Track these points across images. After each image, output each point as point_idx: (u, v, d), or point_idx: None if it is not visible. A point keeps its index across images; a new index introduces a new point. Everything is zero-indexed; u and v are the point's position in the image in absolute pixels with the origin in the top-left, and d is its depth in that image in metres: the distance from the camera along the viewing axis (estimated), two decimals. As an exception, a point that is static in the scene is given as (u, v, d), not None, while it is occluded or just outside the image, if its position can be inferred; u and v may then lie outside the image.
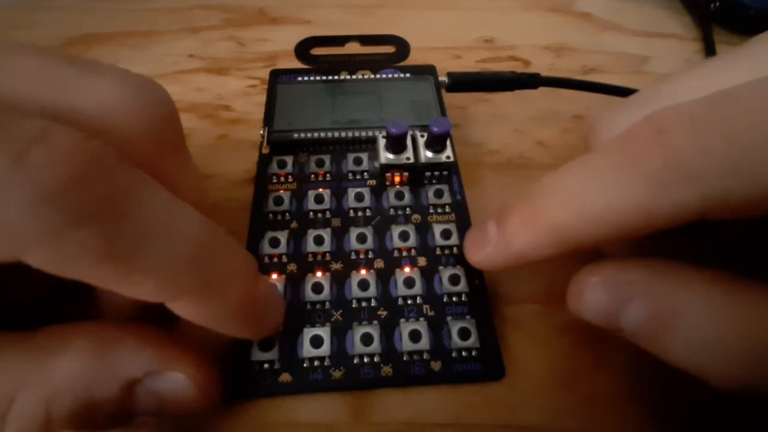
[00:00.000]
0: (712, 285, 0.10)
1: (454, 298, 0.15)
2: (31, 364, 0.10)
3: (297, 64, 0.21)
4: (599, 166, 0.11)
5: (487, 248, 0.13)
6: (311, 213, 0.17)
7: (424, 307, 0.15)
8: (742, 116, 0.09)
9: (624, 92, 0.21)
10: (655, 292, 0.11)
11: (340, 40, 0.22)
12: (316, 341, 0.14)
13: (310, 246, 0.16)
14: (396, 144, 0.17)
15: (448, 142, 0.18)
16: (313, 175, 0.18)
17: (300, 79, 0.21)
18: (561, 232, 0.11)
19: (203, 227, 0.10)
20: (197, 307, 0.11)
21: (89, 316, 0.11)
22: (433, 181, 0.18)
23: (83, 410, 0.10)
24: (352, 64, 0.21)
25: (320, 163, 0.18)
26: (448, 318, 0.15)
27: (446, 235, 0.16)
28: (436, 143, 0.17)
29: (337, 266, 0.16)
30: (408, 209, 0.17)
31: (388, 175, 0.18)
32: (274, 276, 0.15)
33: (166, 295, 0.10)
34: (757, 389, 0.10)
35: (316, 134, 0.19)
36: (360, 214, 0.17)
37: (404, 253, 0.16)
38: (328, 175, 0.18)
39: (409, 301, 0.15)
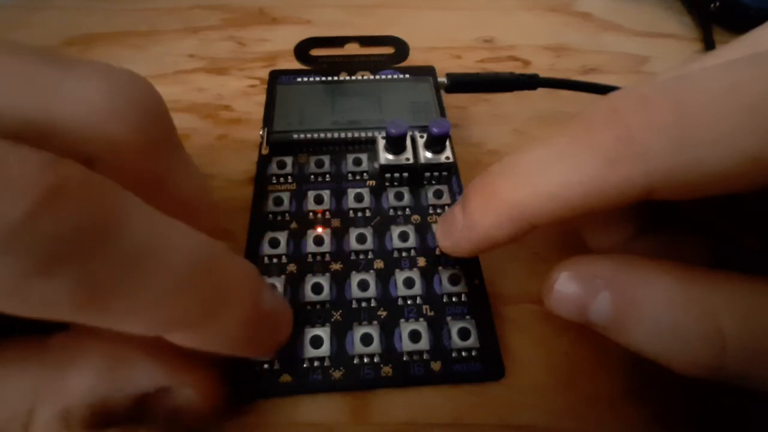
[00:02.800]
0: (667, 274, 0.11)
1: (453, 298, 0.15)
2: (47, 378, 0.10)
3: (297, 65, 0.21)
4: (556, 144, 0.11)
5: (455, 233, 0.13)
6: (311, 214, 0.17)
7: (424, 307, 0.15)
8: (691, 98, 0.09)
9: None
10: (617, 284, 0.11)
11: (339, 41, 0.22)
12: (316, 341, 0.14)
13: (310, 246, 0.16)
14: (395, 145, 0.17)
15: (447, 143, 0.18)
16: (312, 176, 0.18)
17: (299, 79, 0.21)
18: (520, 211, 0.11)
19: (195, 247, 0.09)
20: (196, 336, 0.10)
21: None
22: (433, 182, 0.18)
23: (98, 419, 0.10)
24: (352, 65, 0.21)
25: (320, 164, 0.18)
26: (448, 318, 0.15)
27: (446, 235, 0.16)
28: (435, 144, 0.17)
29: (336, 266, 0.16)
30: (408, 210, 0.17)
31: (388, 175, 0.18)
32: (274, 276, 0.15)
33: (159, 329, 0.09)
34: (716, 373, 0.10)
35: (315, 135, 0.19)
36: (360, 214, 0.17)
37: (404, 254, 0.16)
38: (327, 175, 0.18)
39: (408, 302, 0.15)
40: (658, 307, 0.10)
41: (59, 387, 0.10)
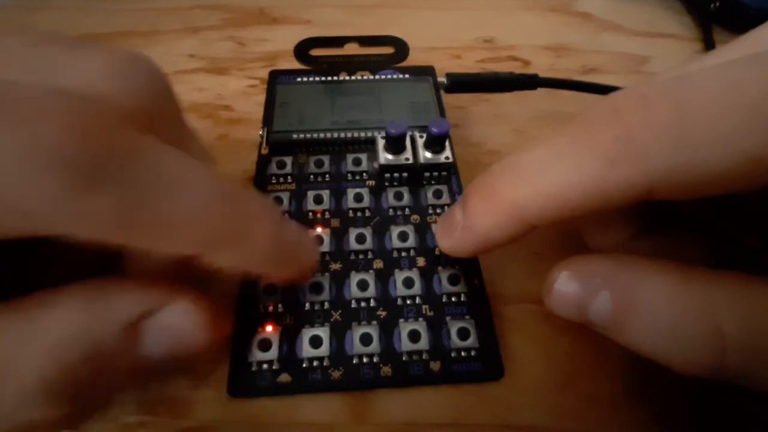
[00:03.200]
0: (667, 273, 0.10)
1: (453, 298, 0.15)
2: (34, 315, 0.10)
3: (297, 65, 0.21)
4: (556, 144, 0.11)
5: (454, 234, 0.13)
6: (310, 213, 0.17)
7: (424, 307, 0.15)
8: (691, 98, 0.09)
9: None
10: (617, 283, 0.11)
11: (339, 41, 0.22)
12: (316, 341, 0.14)
13: (310, 246, 0.16)
14: (395, 144, 0.17)
15: (447, 143, 0.18)
16: (312, 176, 0.18)
17: (299, 79, 0.21)
18: (520, 211, 0.11)
19: (217, 177, 0.11)
20: (232, 254, 0.11)
21: None
22: (433, 182, 0.18)
23: (94, 360, 0.10)
24: (352, 65, 0.21)
25: (319, 164, 0.18)
26: (448, 318, 0.15)
27: (445, 235, 0.16)
28: (435, 144, 0.17)
29: (336, 266, 0.16)
30: (407, 210, 0.17)
31: (387, 175, 0.18)
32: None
33: (198, 248, 0.10)
34: (715, 372, 0.10)
35: (315, 135, 0.19)
36: (359, 214, 0.17)
37: (403, 254, 0.16)
38: (327, 175, 0.18)
39: (408, 302, 0.15)
40: (657, 307, 0.10)
41: (41, 328, 0.10)
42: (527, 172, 0.11)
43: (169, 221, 0.09)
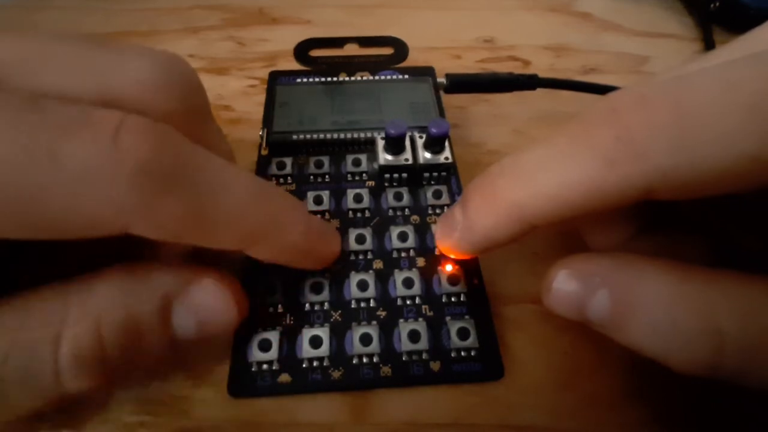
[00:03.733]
0: (666, 272, 0.11)
1: (453, 298, 0.15)
2: (73, 294, 0.11)
3: (297, 65, 0.21)
4: (556, 144, 0.11)
5: (454, 234, 0.13)
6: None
7: (423, 307, 0.15)
8: (690, 98, 0.09)
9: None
10: (616, 282, 0.11)
11: (338, 42, 0.22)
12: (316, 341, 0.14)
13: (310, 246, 0.16)
14: (395, 145, 0.17)
15: (446, 143, 0.18)
16: (312, 176, 0.18)
17: (299, 80, 0.21)
18: (520, 211, 0.11)
19: (255, 179, 0.12)
20: (269, 247, 0.12)
21: None
22: (432, 182, 0.18)
23: (130, 332, 0.11)
24: (351, 65, 0.21)
25: (319, 165, 0.18)
26: (447, 318, 0.15)
27: (445, 235, 0.16)
28: (434, 144, 0.17)
29: (336, 266, 0.16)
30: (407, 210, 0.17)
31: (387, 176, 0.18)
32: (273, 276, 0.15)
33: (242, 243, 0.12)
34: (714, 371, 0.10)
35: (315, 135, 0.19)
36: (359, 214, 0.17)
37: (403, 254, 0.16)
38: (327, 176, 0.18)
39: (408, 302, 0.15)
40: (656, 306, 0.10)
41: (86, 296, 0.11)
42: (527, 173, 0.11)
43: (220, 221, 0.11)
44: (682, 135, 0.09)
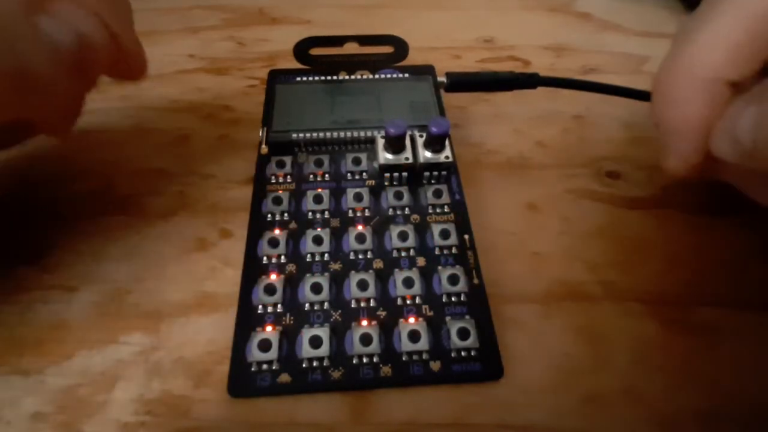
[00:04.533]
0: None
1: (453, 298, 0.15)
2: None
3: (297, 65, 0.21)
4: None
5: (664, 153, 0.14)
6: (310, 213, 0.17)
7: (423, 307, 0.15)
8: None
9: (623, 92, 0.21)
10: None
11: (338, 41, 0.22)
12: (315, 341, 0.14)
13: (309, 246, 0.16)
14: (395, 144, 0.17)
15: (446, 142, 0.18)
16: (311, 176, 0.18)
17: (299, 79, 0.21)
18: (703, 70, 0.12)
19: None
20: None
21: None
22: (432, 181, 0.18)
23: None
24: (351, 64, 0.21)
25: (319, 164, 0.18)
26: (447, 318, 0.15)
27: (445, 235, 0.16)
28: (434, 143, 0.17)
29: (336, 266, 0.16)
30: (407, 209, 0.17)
31: (387, 175, 0.18)
32: (273, 276, 0.15)
33: None
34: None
35: (314, 134, 0.19)
36: (359, 214, 0.17)
37: (403, 253, 0.16)
38: (326, 175, 0.18)
39: (408, 301, 0.15)
40: None
41: None
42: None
43: None
44: None
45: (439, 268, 0.16)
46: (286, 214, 0.17)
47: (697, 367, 0.14)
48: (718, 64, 0.12)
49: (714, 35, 0.12)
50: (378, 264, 0.16)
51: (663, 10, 0.29)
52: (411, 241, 0.16)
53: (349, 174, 0.18)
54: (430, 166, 0.18)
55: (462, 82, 0.21)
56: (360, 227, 0.17)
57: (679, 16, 0.29)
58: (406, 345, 0.14)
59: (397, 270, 0.16)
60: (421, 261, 0.16)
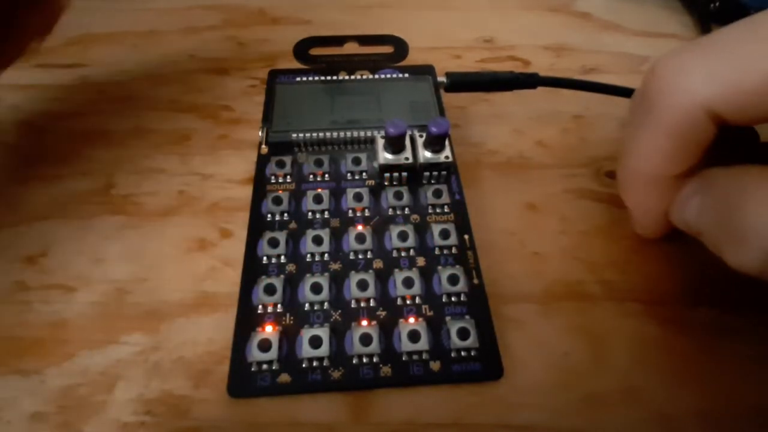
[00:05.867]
0: None
1: (453, 298, 0.15)
2: None
3: (297, 65, 0.21)
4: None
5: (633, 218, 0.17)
6: (310, 213, 0.17)
7: (423, 307, 0.15)
8: None
9: (623, 92, 0.21)
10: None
11: (338, 41, 0.22)
12: (315, 341, 0.14)
13: (309, 246, 0.16)
14: (395, 144, 0.17)
15: (446, 142, 0.18)
16: (311, 176, 0.18)
17: (298, 79, 0.21)
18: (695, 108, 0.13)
19: None
20: None
21: None
22: (432, 182, 0.18)
23: None
24: (351, 64, 0.21)
25: (319, 164, 0.18)
26: (447, 318, 0.15)
27: (445, 235, 0.16)
28: (434, 143, 0.17)
29: (335, 266, 0.16)
30: (407, 209, 0.17)
31: (387, 175, 0.18)
32: (273, 277, 0.15)
33: None
34: None
35: (314, 134, 0.19)
36: (359, 214, 0.17)
37: (403, 253, 0.16)
38: (326, 175, 0.18)
39: (408, 301, 0.15)
40: None
41: None
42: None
43: None
44: None
45: (439, 268, 0.16)
46: (285, 214, 0.17)
47: (697, 367, 0.14)
48: (659, 168, 0.14)
49: (645, 145, 0.14)
50: (378, 264, 0.16)
51: (663, 10, 0.29)
52: (411, 241, 0.16)
53: (348, 174, 0.18)
54: (430, 166, 0.18)
55: (462, 82, 0.21)
56: (360, 227, 0.17)
57: (680, 16, 0.29)
58: (406, 345, 0.14)
59: (396, 270, 0.16)
60: (421, 261, 0.16)
